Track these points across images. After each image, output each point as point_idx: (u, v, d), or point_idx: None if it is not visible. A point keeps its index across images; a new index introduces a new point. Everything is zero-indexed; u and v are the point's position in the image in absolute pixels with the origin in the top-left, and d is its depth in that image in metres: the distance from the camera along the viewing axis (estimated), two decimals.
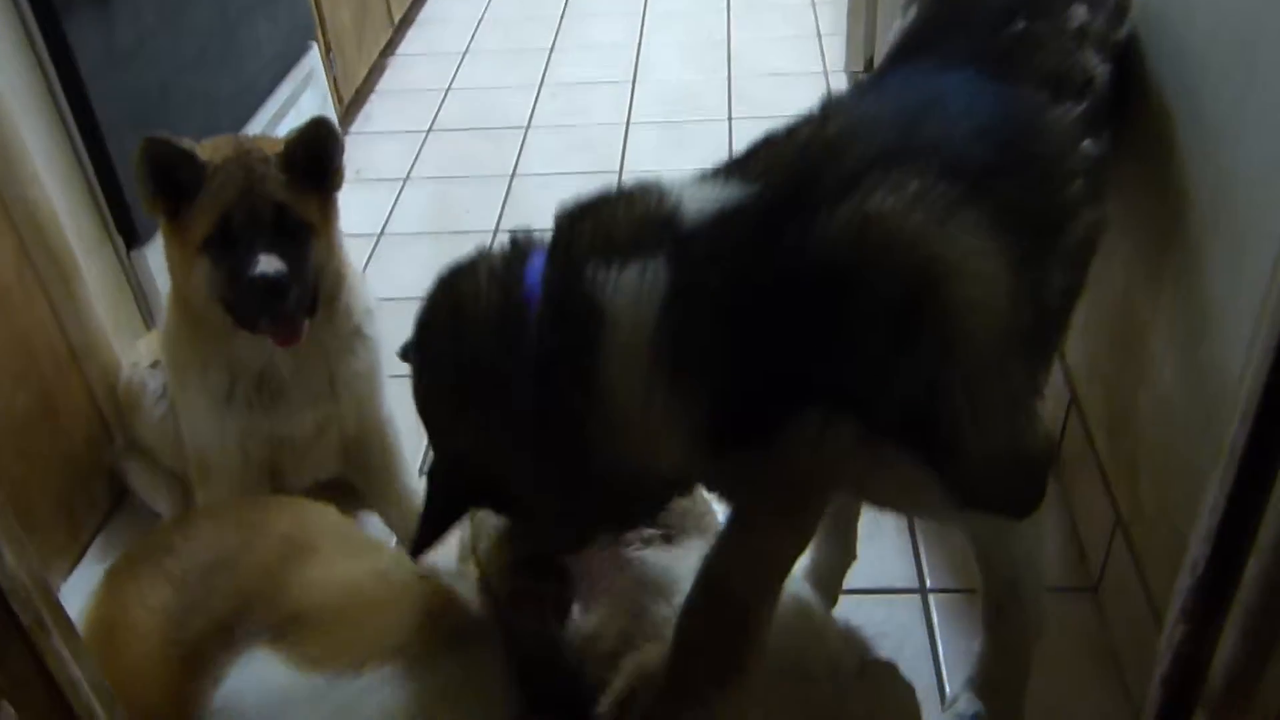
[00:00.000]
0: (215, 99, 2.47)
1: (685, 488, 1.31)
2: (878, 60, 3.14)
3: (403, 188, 3.14)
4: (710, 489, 1.33)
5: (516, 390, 1.12)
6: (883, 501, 1.38)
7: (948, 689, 1.68)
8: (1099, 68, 1.39)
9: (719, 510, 1.48)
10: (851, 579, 1.74)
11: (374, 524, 2.04)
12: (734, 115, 3.34)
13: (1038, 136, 1.27)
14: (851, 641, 1.41)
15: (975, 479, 1.18)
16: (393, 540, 2.02)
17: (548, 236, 1.21)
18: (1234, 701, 1.00)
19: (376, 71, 3.77)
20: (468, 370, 1.18)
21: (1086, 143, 1.30)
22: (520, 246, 1.22)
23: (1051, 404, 2.00)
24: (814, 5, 4.01)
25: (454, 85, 3.72)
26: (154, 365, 1.96)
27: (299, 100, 2.88)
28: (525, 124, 3.43)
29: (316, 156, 1.68)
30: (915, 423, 1.11)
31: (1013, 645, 1.50)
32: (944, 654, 1.74)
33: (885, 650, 1.64)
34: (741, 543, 1.22)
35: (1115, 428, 1.72)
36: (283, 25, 2.87)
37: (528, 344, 1.12)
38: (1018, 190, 1.18)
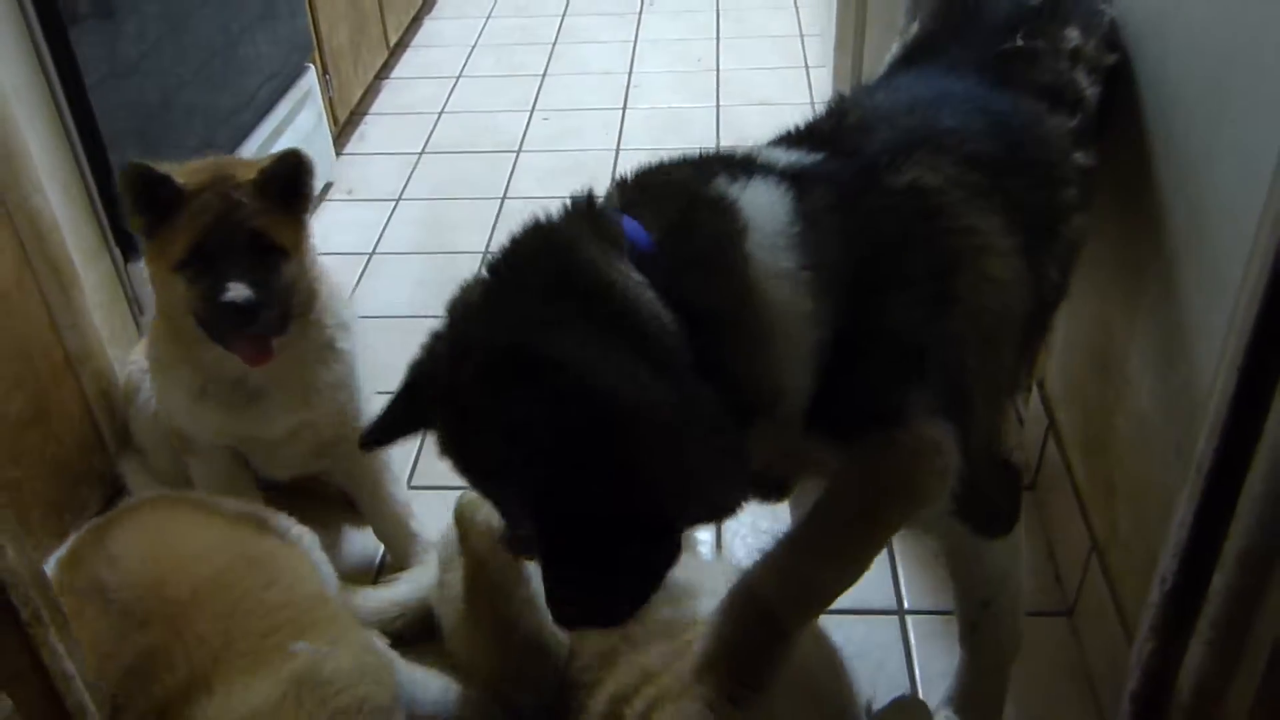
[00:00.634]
0: (214, 115, 2.50)
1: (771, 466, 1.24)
2: None
3: (395, 207, 3.17)
4: (785, 473, 1.30)
5: (645, 311, 1.00)
6: None
7: None
8: (1089, 89, 1.46)
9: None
10: None
11: (360, 539, 2.07)
12: (722, 142, 3.37)
13: (1039, 141, 1.36)
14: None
15: (972, 474, 1.19)
16: (379, 553, 2.05)
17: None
18: (1202, 713, 1.03)
19: (372, 93, 3.81)
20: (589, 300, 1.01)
21: (1078, 154, 1.39)
22: (582, 201, 1.14)
23: (1030, 428, 2.04)
24: (802, 37, 4.07)
25: (447, 108, 3.76)
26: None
27: (295, 119, 2.92)
28: (517, 147, 3.46)
29: (290, 184, 1.73)
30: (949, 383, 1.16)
31: (989, 663, 1.54)
32: (921, 674, 1.76)
33: (864, 670, 1.68)
34: (794, 567, 1.16)
35: (1092, 452, 1.75)
36: (281, 45, 2.90)
37: (655, 268, 1.03)
38: (1024, 187, 1.28)
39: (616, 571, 0.99)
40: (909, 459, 1.13)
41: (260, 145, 2.68)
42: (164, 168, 1.65)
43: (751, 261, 1.06)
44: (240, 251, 1.67)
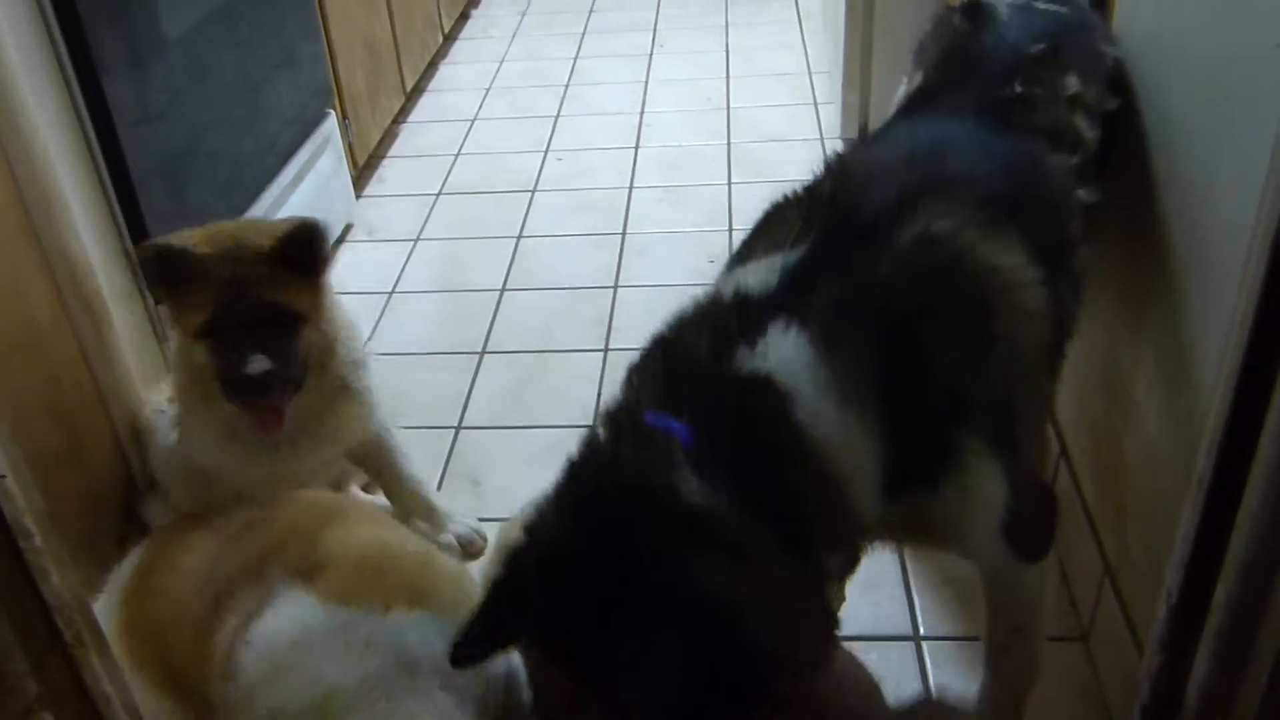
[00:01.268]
0: (239, 159, 2.56)
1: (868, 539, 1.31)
2: (872, 128, 3.26)
3: (414, 247, 3.23)
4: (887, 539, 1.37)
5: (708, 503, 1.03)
6: (938, 539, 1.42)
7: None
8: (1089, 131, 1.50)
9: None
10: (848, 625, 1.77)
11: None
12: (733, 180, 3.44)
13: (1042, 177, 1.39)
14: None
15: (1019, 498, 1.24)
16: None
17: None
18: None
19: (390, 137, 3.89)
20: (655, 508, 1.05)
21: (1080, 190, 1.43)
22: (620, 412, 1.16)
23: None
24: (810, 74, 4.14)
25: (463, 150, 3.83)
26: (171, 401, 2.04)
27: (316, 163, 2.98)
28: (532, 187, 3.53)
29: (305, 252, 1.76)
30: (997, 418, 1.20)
31: (1011, 689, 1.56)
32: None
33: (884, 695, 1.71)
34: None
35: (1102, 477, 1.78)
36: (302, 92, 2.98)
37: (717, 470, 1.05)
38: (1034, 220, 1.30)
39: None
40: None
41: (283, 189, 2.75)
42: (182, 237, 1.70)
43: (808, 435, 1.08)
44: (258, 322, 1.70)
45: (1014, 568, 1.39)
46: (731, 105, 3.98)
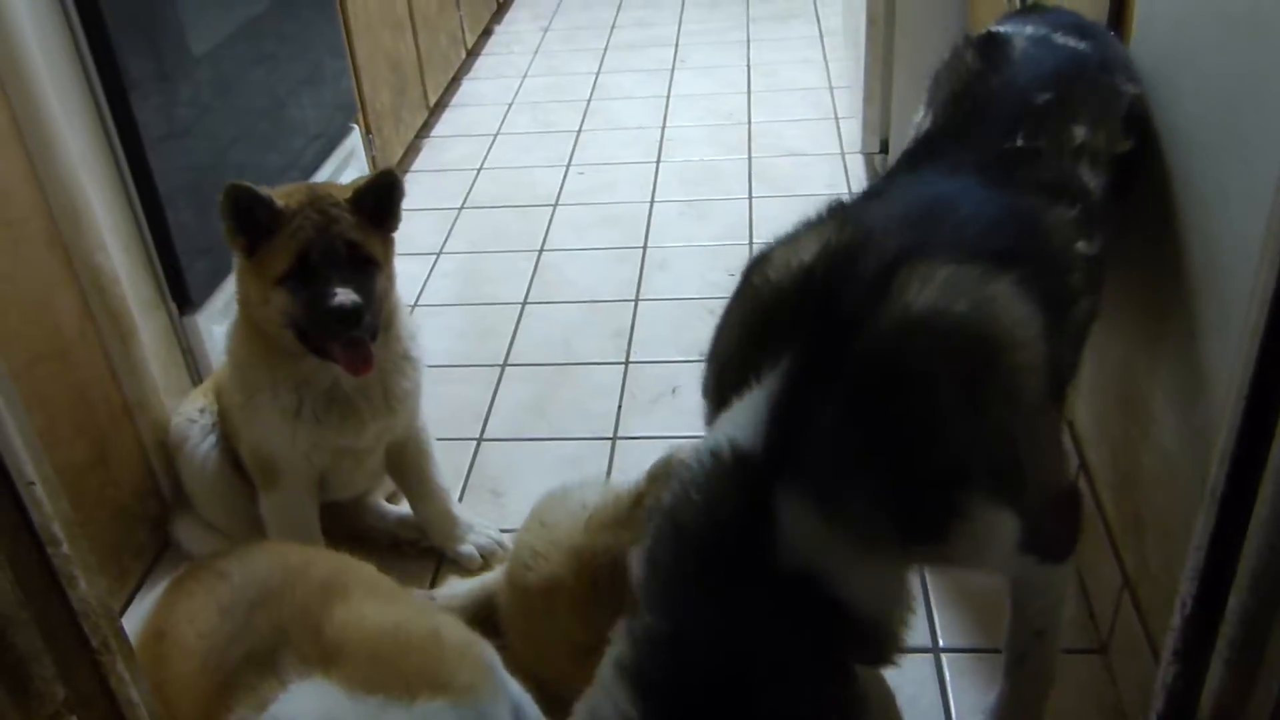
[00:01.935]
0: (264, 174, 2.60)
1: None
2: (892, 143, 3.27)
3: (436, 261, 3.26)
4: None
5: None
6: (957, 566, 1.46)
7: None
8: (1093, 180, 1.48)
9: None
10: None
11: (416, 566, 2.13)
12: (754, 194, 3.46)
13: (1040, 232, 1.37)
14: None
15: (1035, 517, 1.24)
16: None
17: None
18: None
19: (413, 151, 3.93)
20: None
21: (1080, 243, 1.41)
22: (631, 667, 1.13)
23: None
24: (831, 89, 4.16)
25: (486, 164, 3.86)
26: (202, 411, 2.09)
27: (340, 177, 3.01)
28: (554, 201, 3.55)
29: (381, 201, 1.84)
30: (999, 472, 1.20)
31: (1030, 695, 1.57)
32: (956, 712, 1.78)
33: (903, 708, 1.70)
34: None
35: (1121, 488, 1.78)
36: (326, 107, 3.02)
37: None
38: (1030, 271, 1.27)
39: None
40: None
41: None
42: (262, 189, 1.76)
43: (848, 603, 1.09)
44: (340, 262, 1.78)
45: (1039, 571, 1.40)
46: (752, 120, 4.00)
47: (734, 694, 1.06)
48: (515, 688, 1.56)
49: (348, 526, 2.18)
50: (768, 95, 4.19)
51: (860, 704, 1.13)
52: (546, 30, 5.15)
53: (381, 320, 1.88)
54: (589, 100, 4.31)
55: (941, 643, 1.89)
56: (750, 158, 3.71)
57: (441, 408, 2.50)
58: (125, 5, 2.03)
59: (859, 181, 3.45)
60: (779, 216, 2.93)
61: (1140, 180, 1.64)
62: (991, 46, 1.61)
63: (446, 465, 2.20)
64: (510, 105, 4.34)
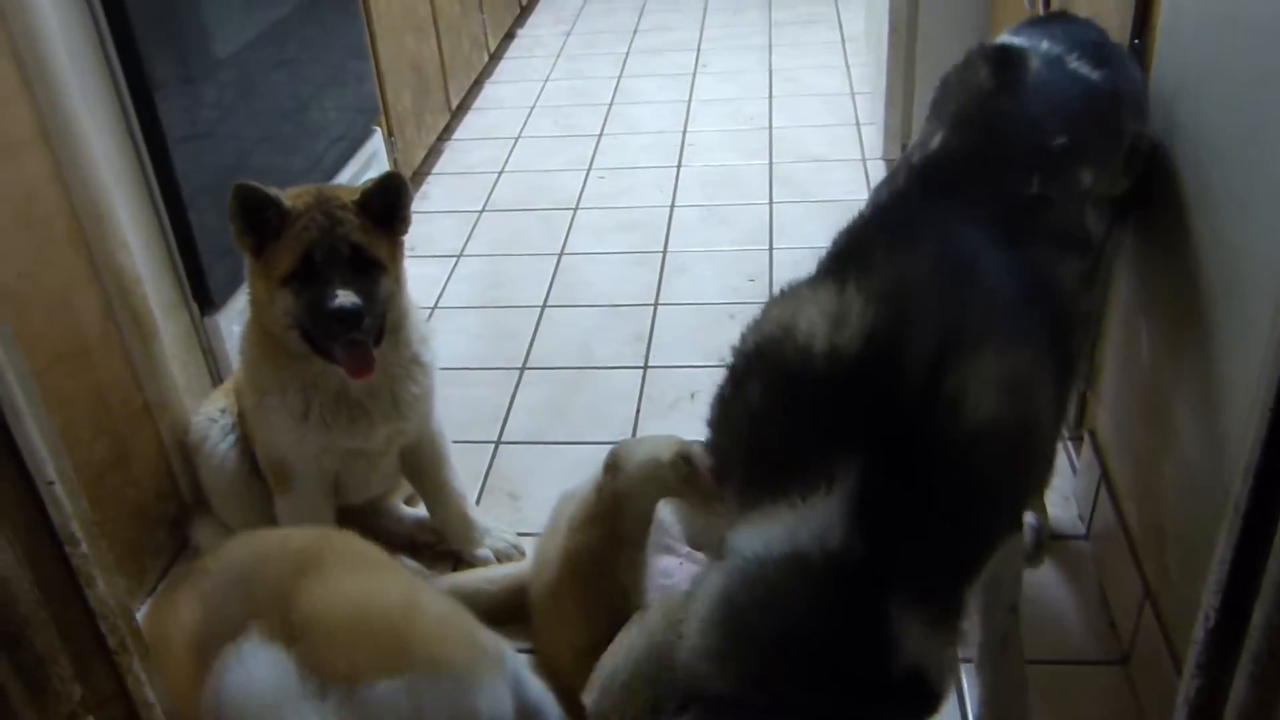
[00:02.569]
0: (286, 175, 2.60)
1: None
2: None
3: (456, 263, 3.27)
4: None
5: None
6: None
7: None
8: (1097, 227, 1.49)
9: None
10: None
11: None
12: (775, 198, 3.45)
13: (1055, 295, 1.39)
14: None
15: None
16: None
17: None
18: None
19: (434, 154, 3.94)
20: None
21: (1084, 298, 1.46)
22: None
23: (1083, 477, 2.06)
24: (853, 95, 4.15)
25: (507, 168, 3.87)
26: (223, 411, 2.09)
27: (362, 180, 3.01)
28: (574, 205, 3.56)
29: (389, 204, 1.85)
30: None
31: (1016, 680, 1.61)
32: (974, 715, 1.77)
33: None
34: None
35: (1143, 500, 1.76)
36: (349, 110, 3.03)
37: None
38: (1048, 340, 1.32)
39: None
40: None
41: None
42: (270, 190, 1.76)
43: (937, 687, 1.15)
44: (344, 264, 1.78)
45: (1009, 543, 1.45)
46: (774, 125, 4.00)
47: None
48: (534, 684, 1.55)
49: (365, 529, 2.18)
50: (789, 100, 4.19)
51: None
52: (569, 34, 5.16)
53: (388, 323, 1.87)
54: (610, 104, 4.32)
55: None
56: (771, 163, 3.70)
57: (459, 410, 2.50)
58: (151, 7, 2.04)
59: None
60: (800, 222, 2.96)
61: (1130, 220, 1.68)
62: (1005, 65, 1.58)
63: (464, 468, 2.20)
64: (532, 109, 4.35)
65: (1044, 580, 1.98)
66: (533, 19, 5.42)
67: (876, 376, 1.16)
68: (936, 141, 1.54)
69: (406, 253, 1.95)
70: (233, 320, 2.29)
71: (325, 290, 1.75)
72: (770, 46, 4.75)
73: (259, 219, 1.76)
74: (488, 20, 4.59)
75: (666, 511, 1.58)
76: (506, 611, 1.89)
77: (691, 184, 3.62)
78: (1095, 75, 1.57)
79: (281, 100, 2.62)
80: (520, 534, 2.17)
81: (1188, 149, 1.55)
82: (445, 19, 3.94)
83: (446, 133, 4.09)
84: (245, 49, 2.43)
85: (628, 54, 4.84)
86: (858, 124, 3.90)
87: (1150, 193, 1.65)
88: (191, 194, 2.14)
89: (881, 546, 1.11)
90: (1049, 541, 2.01)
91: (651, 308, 2.95)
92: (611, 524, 1.72)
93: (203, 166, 2.21)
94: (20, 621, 1.01)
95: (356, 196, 1.82)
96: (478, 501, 2.29)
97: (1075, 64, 1.58)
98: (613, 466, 1.76)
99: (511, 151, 3.99)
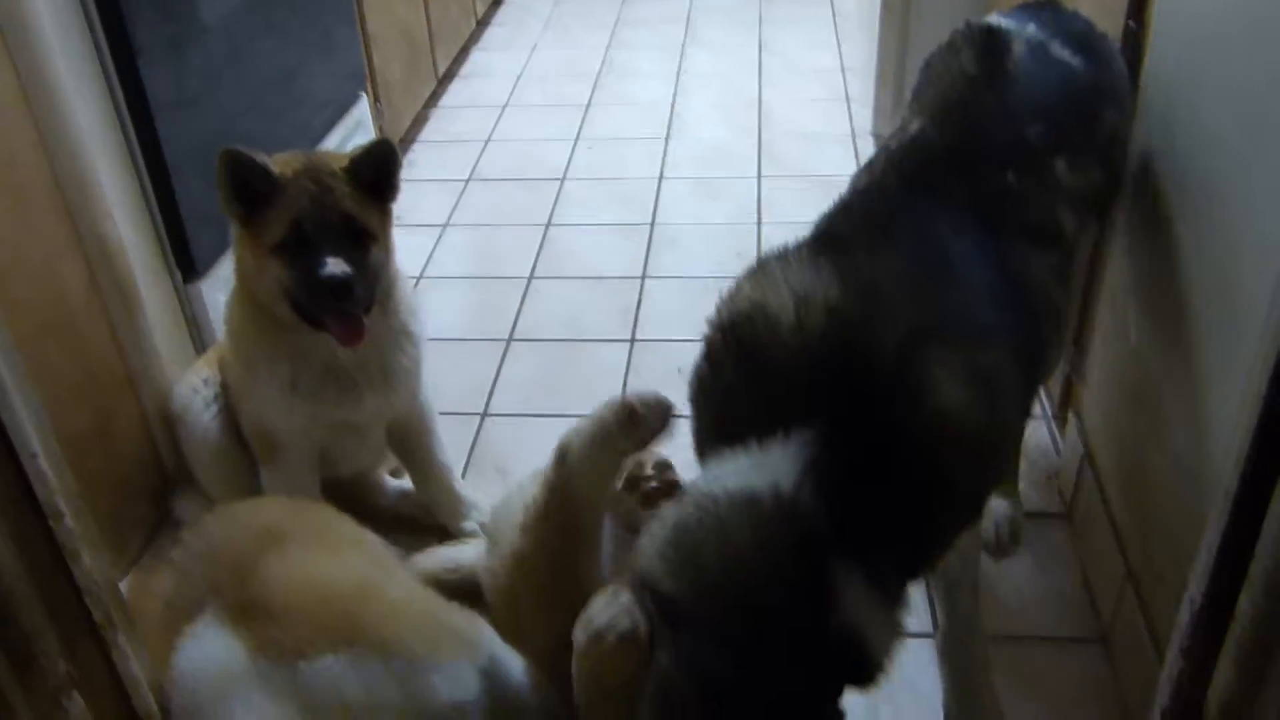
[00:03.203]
0: (272, 142, 2.55)
1: None
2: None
3: (443, 233, 3.25)
4: None
5: None
6: None
7: None
8: (1069, 220, 1.49)
9: None
10: None
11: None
12: (764, 173, 3.44)
13: (1028, 293, 1.40)
14: None
15: None
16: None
17: None
18: None
19: (421, 122, 3.91)
20: None
21: (1056, 291, 1.46)
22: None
23: (1067, 458, 2.07)
24: (844, 71, 4.13)
25: (494, 136, 3.84)
26: (206, 381, 2.07)
27: (347, 146, 2.98)
28: (562, 175, 3.54)
29: (379, 172, 1.82)
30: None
31: (979, 654, 1.66)
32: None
33: (902, 691, 1.71)
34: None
35: (1127, 484, 1.77)
36: (336, 75, 3.00)
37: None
38: (1020, 336, 1.35)
39: None
40: None
41: None
42: (259, 156, 1.74)
43: (872, 652, 1.17)
44: (334, 233, 1.76)
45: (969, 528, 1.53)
46: (764, 99, 3.98)
47: None
48: (514, 666, 1.55)
49: (351, 502, 2.17)
50: (779, 75, 4.17)
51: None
52: (558, 2, 5.11)
53: (377, 293, 1.86)
54: (599, 74, 4.29)
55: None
56: (761, 137, 3.69)
57: (446, 382, 2.49)
58: None
59: None
60: (789, 197, 2.94)
61: (1105, 213, 1.68)
62: (989, 50, 1.58)
63: (450, 440, 2.20)
64: (519, 77, 4.31)
65: (1023, 558, 2.00)
66: None
67: (843, 358, 1.20)
68: (915, 129, 1.55)
69: (394, 221, 1.93)
70: (216, 288, 2.27)
71: (316, 260, 1.73)
72: (760, 20, 4.72)
73: (247, 186, 1.73)
74: None
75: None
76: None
77: (681, 156, 3.61)
78: (1076, 61, 1.58)
79: (268, 66, 2.59)
80: None
81: (1180, 134, 1.55)
82: None
83: (433, 100, 4.06)
84: (232, 13, 2.39)
85: (617, 24, 4.80)
86: (848, 100, 3.89)
87: (1130, 190, 1.66)
88: (176, 161, 2.11)
89: (830, 502, 1.14)
90: (1021, 530, 2.02)
91: (639, 280, 2.94)
92: (563, 514, 1.69)
93: (187, 133, 2.18)
94: (5, 597, 1.00)
95: (345, 164, 1.79)
96: (464, 475, 2.29)
97: (1059, 50, 1.58)
98: (561, 450, 1.74)
99: (499, 120, 3.96)
